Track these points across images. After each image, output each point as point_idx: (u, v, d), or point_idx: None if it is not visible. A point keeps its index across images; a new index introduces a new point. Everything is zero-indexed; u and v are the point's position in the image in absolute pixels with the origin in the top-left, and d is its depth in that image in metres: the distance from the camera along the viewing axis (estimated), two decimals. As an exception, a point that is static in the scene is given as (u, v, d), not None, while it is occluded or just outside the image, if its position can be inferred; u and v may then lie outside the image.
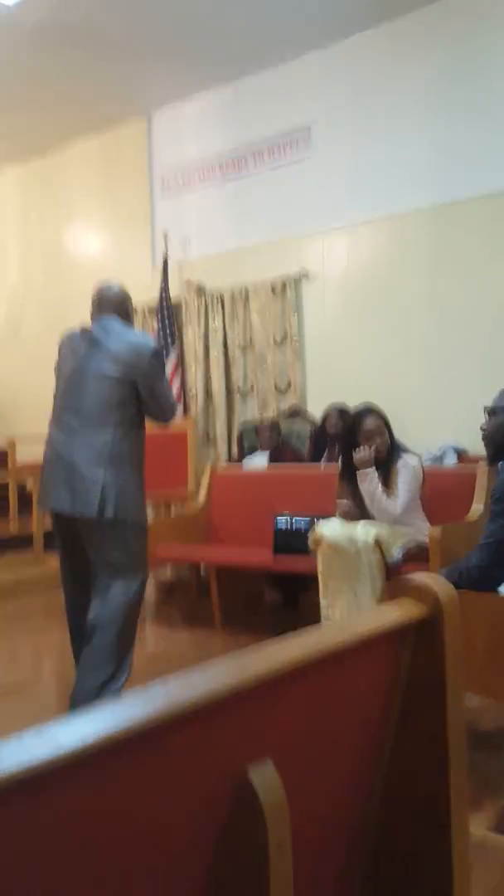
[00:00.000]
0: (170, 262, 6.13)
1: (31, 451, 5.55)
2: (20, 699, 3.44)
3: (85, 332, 3.12)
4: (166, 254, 6.12)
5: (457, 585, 1.44)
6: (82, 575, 3.09)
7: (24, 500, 6.66)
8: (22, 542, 5.82)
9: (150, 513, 5.39)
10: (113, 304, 3.14)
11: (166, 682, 1.23)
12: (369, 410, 3.62)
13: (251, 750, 1.23)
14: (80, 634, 3.13)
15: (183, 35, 5.19)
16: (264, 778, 1.22)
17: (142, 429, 3.08)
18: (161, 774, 1.12)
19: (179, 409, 5.97)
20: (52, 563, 5.50)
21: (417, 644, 1.39)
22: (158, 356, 3.06)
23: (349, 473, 3.59)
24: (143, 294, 6.42)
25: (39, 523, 5.50)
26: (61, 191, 7.22)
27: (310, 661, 1.28)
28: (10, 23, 4.90)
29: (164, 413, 3.08)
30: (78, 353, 3.08)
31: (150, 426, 3.14)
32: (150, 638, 4.21)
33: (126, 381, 2.98)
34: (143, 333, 3.10)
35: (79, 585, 3.12)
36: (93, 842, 1.03)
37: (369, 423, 3.55)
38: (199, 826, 1.19)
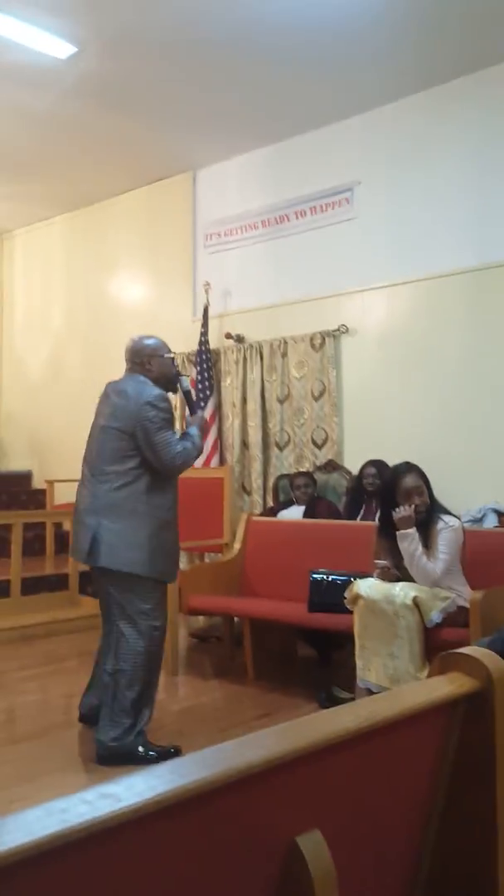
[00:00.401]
0: (210, 314, 6.25)
1: (68, 493, 5.64)
2: (47, 743, 3.44)
3: (107, 385, 3.30)
4: (207, 304, 6.25)
5: (501, 655, 1.45)
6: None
7: (61, 541, 6.75)
8: (58, 582, 5.87)
9: (184, 561, 5.42)
10: (129, 357, 3.28)
11: (221, 747, 1.25)
12: (410, 468, 3.62)
13: (301, 817, 1.24)
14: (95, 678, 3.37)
15: (230, 97, 5.37)
16: (313, 846, 1.23)
17: (151, 479, 3.11)
18: (212, 838, 1.13)
19: (216, 459, 6.03)
20: (88, 604, 5.55)
21: (467, 718, 1.40)
22: (154, 405, 3.09)
23: (388, 532, 3.59)
24: (183, 344, 6.55)
25: (74, 564, 5.55)
26: (107, 241, 7.43)
27: (360, 732, 1.29)
28: (62, 75, 5.06)
29: (162, 463, 3.09)
30: (99, 405, 3.28)
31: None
32: (182, 690, 4.20)
33: (126, 431, 3.09)
34: (146, 384, 3.17)
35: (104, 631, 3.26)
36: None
37: (409, 481, 3.55)
38: (248, 891, 1.20)
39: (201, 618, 5.26)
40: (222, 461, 6.08)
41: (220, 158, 6.44)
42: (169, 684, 4.27)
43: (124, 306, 7.28)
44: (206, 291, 6.30)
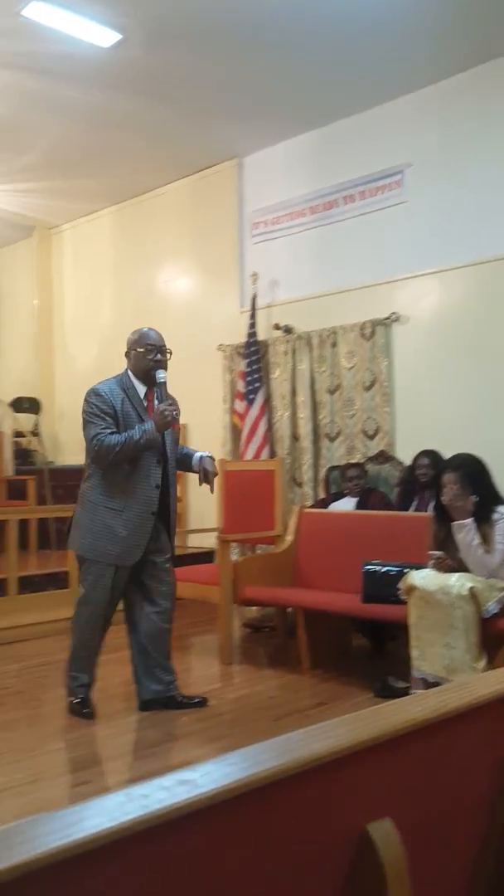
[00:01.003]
0: (258, 305, 6.25)
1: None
2: (106, 730, 3.50)
3: None
4: (255, 295, 6.24)
5: None
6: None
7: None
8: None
9: (235, 552, 5.45)
10: None
11: (292, 736, 1.26)
12: (448, 463, 3.62)
13: (371, 806, 1.25)
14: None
15: (275, 82, 5.33)
16: (384, 834, 1.24)
17: (105, 473, 3.42)
18: (285, 825, 1.15)
19: (266, 451, 6.04)
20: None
21: (536, 709, 1.39)
22: (86, 399, 3.46)
23: (443, 523, 3.56)
24: (231, 336, 6.57)
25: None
26: (153, 233, 7.47)
27: (429, 723, 1.29)
28: (105, 64, 5.05)
29: (87, 451, 3.45)
30: None
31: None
32: (238, 679, 4.23)
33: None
34: (106, 380, 3.53)
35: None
36: (216, 889, 1.07)
37: (444, 478, 3.54)
38: (319, 880, 1.21)
39: (254, 608, 5.28)
40: (272, 454, 6.09)
41: (265, 145, 6.41)
42: (224, 673, 4.32)
43: (171, 299, 7.32)
44: (254, 282, 6.30)
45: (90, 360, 8.12)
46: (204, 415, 6.78)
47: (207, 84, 5.37)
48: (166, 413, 3.34)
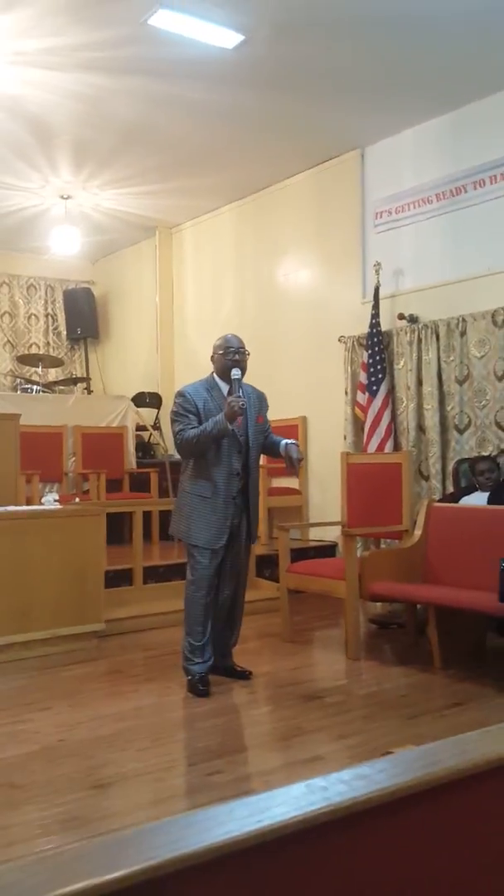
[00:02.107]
0: (381, 295, 6.12)
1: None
2: (235, 720, 3.50)
3: None
4: (377, 285, 6.12)
5: None
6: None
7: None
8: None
9: (360, 547, 5.36)
10: None
11: (464, 738, 1.20)
12: None
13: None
14: None
15: (401, 68, 5.21)
16: None
17: (195, 463, 3.77)
18: (461, 824, 1.09)
19: (390, 443, 5.92)
20: (265, 587, 5.63)
21: None
22: (174, 399, 3.87)
23: None
24: (352, 327, 6.47)
25: (252, 548, 5.62)
26: (273, 226, 7.46)
27: None
28: (230, 65, 5.08)
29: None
30: None
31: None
32: (366, 675, 4.15)
33: None
34: (197, 380, 3.94)
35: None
36: (396, 883, 1.02)
37: None
38: (496, 878, 1.15)
39: (379, 604, 5.18)
40: (397, 446, 5.95)
41: (389, 133, 6.27)
42: (351, 669, 4.25)
43: (292, 292, 7.29)
44: (377, 272, 6.18)
45: (209, 355, 8.19)
46: (325, 407, 6.72)
47: (330, 76, 5.30)
48: (233, 403, 3.63)
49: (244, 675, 4.00)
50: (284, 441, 3.95)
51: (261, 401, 3.97)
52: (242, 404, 3.65)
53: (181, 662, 3.85)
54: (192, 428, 3.69)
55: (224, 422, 3.64)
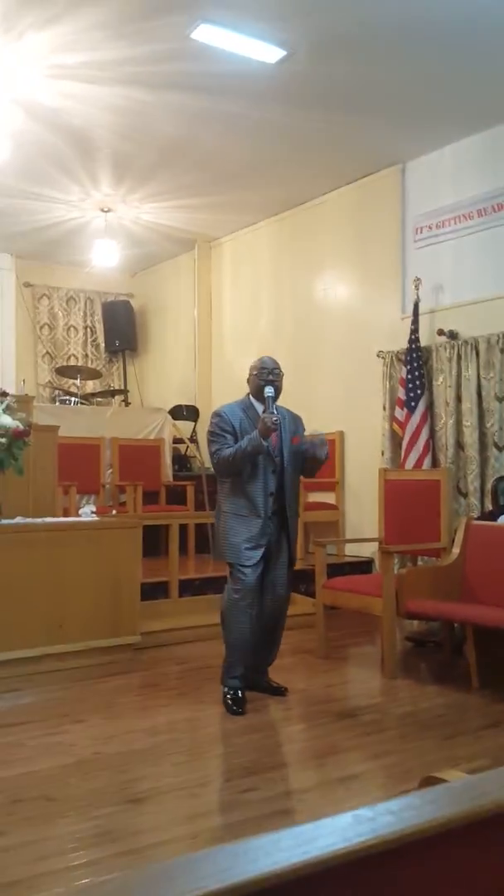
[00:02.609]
0: (420, 311, 6.09)
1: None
2: (272, 738, 3.47)
3: None
4: (417, 301, 6.09)
5: None
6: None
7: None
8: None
9: (396, 564, 5.30)
10: None
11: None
12: None
13: None
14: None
15: (441, 85, 5.19)
16: None
17: (231, 482, 3.81)
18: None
19: (428, 460, 5.86)
20: (301, 602, 5.59)
21: None
22: (210, 419, 3.92)
23: None
24: (391, 343, 6.44)
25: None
26: (312, 241, 7.46)
27: None
28: (271, 80, 5.10)
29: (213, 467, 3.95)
30: None
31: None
32: (402, 694, 4.10)
33: None
34: (233, 401, 4.01)
35: None
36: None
37: None
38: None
39: (415, 621, 5.12)
40: (435, 463, 5.89)
41: (430, 149, 6.26)
42: (387, 687, 4.20)
43: (330, 307, 7.28)
44: (417, 287, 6.14)
45: (246, 369, 8.20)
46: (362, 422, 6.69)
47: (372, 92, 5.30)
48: (266, 420, 3.66)
49: (280, 692, 3.98)
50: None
51: (296, 423, 4.02)
52: (276, 419, 3.70)
53: (221, 676, 3.88)
54: (228, 447, 3.75)
55: (258, 438, 3.67)
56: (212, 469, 4.11)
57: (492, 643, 4.10)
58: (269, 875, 0.76)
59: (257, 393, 3.86)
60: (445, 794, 1.02)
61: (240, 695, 3.77)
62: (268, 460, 3.80)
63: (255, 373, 3.89)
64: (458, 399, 5.83)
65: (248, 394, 3.94)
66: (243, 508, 3.78)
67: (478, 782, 1.05)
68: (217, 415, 3.89)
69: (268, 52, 4.79)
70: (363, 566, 6.36)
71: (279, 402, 3.86)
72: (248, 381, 3.93)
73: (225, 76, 5.07)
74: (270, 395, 3.77)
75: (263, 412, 3.75)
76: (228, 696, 3.77)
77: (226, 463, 3.75)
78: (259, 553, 3.79)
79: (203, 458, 8.30)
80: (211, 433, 3.85)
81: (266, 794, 2.86)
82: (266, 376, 3.83)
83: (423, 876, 0.94)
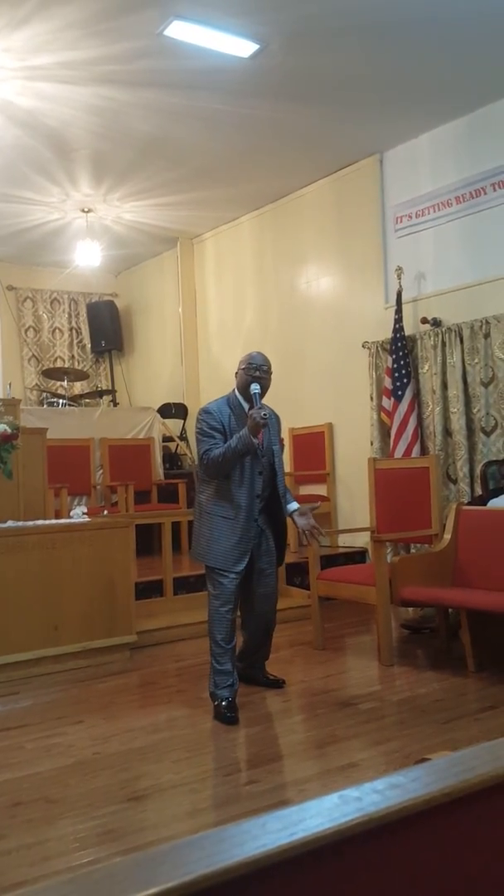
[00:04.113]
0: (404, 299, 6.10)
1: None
2: (270, 729, 3.48)
3: None
4: (400, 290, 6.10)
5: None
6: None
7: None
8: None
9: (390, 553, 5.32)
10: None
11: (501, 743, 1.18)
12: None
13: None
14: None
15: (416, 73, 5.19)
16: None
17: (218, 484, 3.69)
18: (497, 832, 1.08)
19: (417, 448, 5.88)
20: (296, 595, 5.61)
21: None
22: (198, 416, 3.80)
23: None
24: (376, 333, 6.46)
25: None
26: (294, 234, 7.46)
27: None
28: (245, 74, 5.09)
29: (199, 467, 3.81)
30: None
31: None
32: (399, 681, 4.12)
33: None
34: (220, 397, 3.88)
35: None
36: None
37: None
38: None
39: (410, 608, 5.14)
40: (424, 450, 5.91)
41: (407, 138, 6.26)
42: (384, 675, 4.22)
43: (314, 299, 7.28)
44: (399, 276, 6.15)
45: (234, 364, 8.17)
46: (350, 413, 6.70)
47: (347, 83, 5.30)
48: (255, 416, 3.56)
49: (277, 684, 3.99)
50: (291, 506, 3.85)
51: (278, 422, 3.96)
52: (265, 415, 3.59)
53: (208, 686, 3.73)
54: (217, 447, 3.64)
55: (248, 436, 3.57)
56: (200, 464, 4.02)
57: (486, 627, 4.12)
58: (257, 857, 0.77)
59: (243, 387, 3.76)
60: (430, 771, 1.03)
61: (233, 702, 3.66)
62: (255, 461, 3.70)
63: (243, 367, 3.79)
64: (445, 386, 5.85)
65: (234, 388, 3.85)
66: (229, 510, 3.67)
67: (461, 759, 1.06)
68: (205, 412, 3.77)
69: (241, 47, 4.79)
70: (357, 556, 6.38)
71: (263, 401, 3.75)
72: (236, 374, 3.83)
73: (199, 72, 5.06)
74: (257, 391, 3.68)
75: (250, 409, 3.67)
76: (223, 705, 3.63)
77: (216, 463, 3.63)
78: (244, 559, 3.69)
79: (194, 455, 8.31)
80: (200, 431, 3.73)
81: (267, 786, 2.87)
82: (253, 372, 3.74)
83: (411, 852, 0.95)
